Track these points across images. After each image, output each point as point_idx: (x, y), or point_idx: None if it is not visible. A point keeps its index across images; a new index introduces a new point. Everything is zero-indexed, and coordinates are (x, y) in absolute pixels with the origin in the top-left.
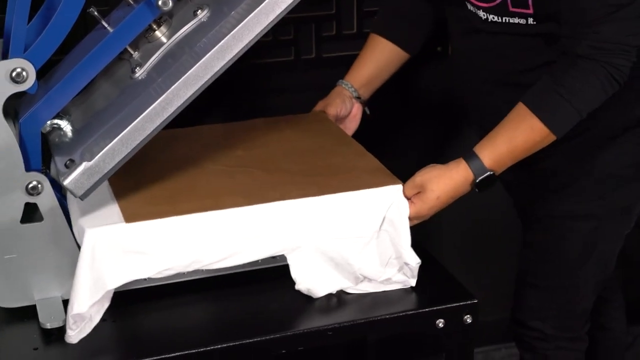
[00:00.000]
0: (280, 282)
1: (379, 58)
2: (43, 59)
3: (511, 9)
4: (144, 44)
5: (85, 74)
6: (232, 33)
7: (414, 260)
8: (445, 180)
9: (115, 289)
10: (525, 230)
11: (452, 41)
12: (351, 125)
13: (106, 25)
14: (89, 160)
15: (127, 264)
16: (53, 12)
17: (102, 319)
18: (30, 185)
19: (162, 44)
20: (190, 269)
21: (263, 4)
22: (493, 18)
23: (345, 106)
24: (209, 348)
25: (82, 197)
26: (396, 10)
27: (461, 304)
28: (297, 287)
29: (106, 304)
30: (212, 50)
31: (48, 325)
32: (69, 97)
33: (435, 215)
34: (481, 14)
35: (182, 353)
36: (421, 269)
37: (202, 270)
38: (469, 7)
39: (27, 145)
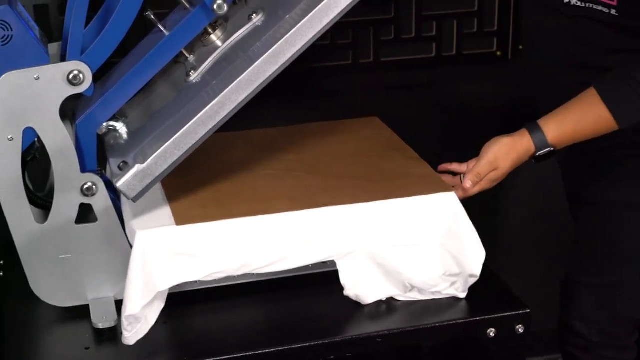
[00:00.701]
0: (331, 287)
1: None
2: (100, 62)
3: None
4: (199, 47)
5: (141, 76)
6: (285, 38)
7: (478, 271)
8: (512, 155)
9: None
10: (577, 223)
11: (527, 25)
12: None
13: (162, 28)
14: (142, 163)
15: (177, 266)
16: (111, 15)
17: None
18: (85, 187)
19: (217, 47)
20: (240, 272)
21: (316, 9)
22: (576, 2)
23: None
24: (258, 352)
25: (134, 200)
26: None
27: (513, 313)
28: (345, 292)
29: (161, 305)
30: (265, 54)
31: (100, 326)
32: (124, 99)
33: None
34: (584, 3)
35: (232, 356)
36: None
37: (254, 273)
38: None
39: (83, 146)
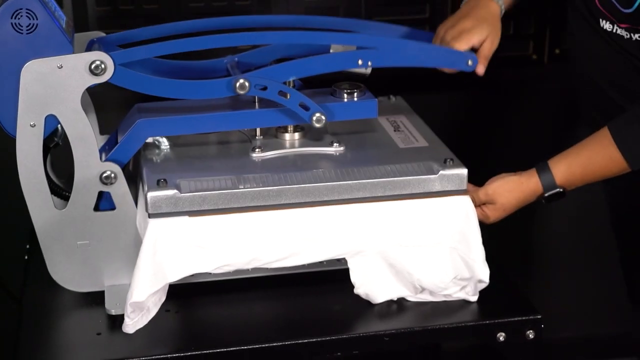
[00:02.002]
0: (344, 285)
1: None
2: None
3: None
4: (272, 133)
5: (215, 125)
6: (339, 183)
7: (486, 276)
8: (515, 194)
9: (177, 281)
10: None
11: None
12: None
13: (256, 104)
14: (180, 192)
15: (187, 257)
16: None
17: (166, 310)
18: (104, 175)
19: (287, 146)
20: (250, 266)
21: (388, 180)
22: (606, 26)
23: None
24: (266, 345)
25: (150, 216)
26: None
27: (523, 318)
28: (355, 291)
29: (163, 298)
30: (318, 184)
31: (112, 312)
32: (190, 131)
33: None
34: (623, 32)
35: (240, 348)
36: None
37: (267, 268)
38: (605, 24)
39: (129, 142)
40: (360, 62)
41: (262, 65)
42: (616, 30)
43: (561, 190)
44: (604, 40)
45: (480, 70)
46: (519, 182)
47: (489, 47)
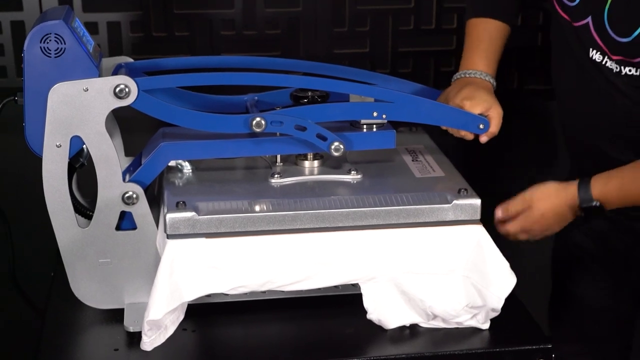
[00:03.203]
0: (357, 309)
1: (492, 37)
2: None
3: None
4: (292, 160)
5: (233, 151)
6: (354, 210)
7: (499, 305)
8: (553, 200)
9: (193, 301)
10: None
11: (562, 82)
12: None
13: (278, 134)
14: (199, 215)
15: (203, 278)
16: None
17: (183, 328)
18: (127, 195)
19: (306, 173)
20: (264, 288)
21: (404, 208)
22: (629, 71)
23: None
24: None
25: (169, 236)
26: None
27: (533, 347)
28: (368, 316)
29: (181, 317)
30: (332, 210)
31: (130, 329)
32: (211, 155)
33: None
34: (613, 65)
35: None
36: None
37: (280, 290)
38: (595, 55)
39: (152, 164)
40: (375, 114)
41: (280, 105)
42: (606, 62)
43: (597, 204)
44: (590, 73)
45: (484, 139)
46: (558, 188)
47: (496, 122)
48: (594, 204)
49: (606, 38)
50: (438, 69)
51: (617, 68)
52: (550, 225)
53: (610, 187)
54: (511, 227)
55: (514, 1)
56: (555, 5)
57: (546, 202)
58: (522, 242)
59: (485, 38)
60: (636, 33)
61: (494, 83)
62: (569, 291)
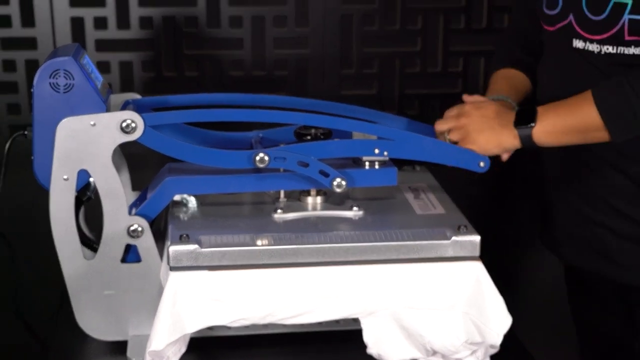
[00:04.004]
0: (358, 344)
1: (512, 75)
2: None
3: (627, 37)
4: (295, 196)
5: (236, 186)
6: (354, 245)
7: (498, 342)
8: (489, 104)
9: (194, 333)
10: None
11: (546, 85)
12: None
13: (281, 170)
14: (201, 247)
15: (205, 310)
16: None
17: None
18: (132, 228)
19: (307, 209)
20: (265, 321)
21: (404, 243)
22: (607, 49)
23: None
24: None
25: (172, 268)
26: (516, 42)
27: None
28: (368, 351)
29: (183, 348)
30: (333, 244)
31: None
32: (215, 191)
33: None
34: (594, 47)
35: None
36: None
37: (283, 325)
38: (577, 43)
39: (157, 198)
40: (377, 151)
41: (284, 142)
42: (587, 47)
43: (532, 125)
44: (573, 61)
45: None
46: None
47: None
48: (530, 124)
49: (585, 24)
50: (444, 112)
51: (597, 49)
52: (482, 124)
53: (548, 111)
54: (442, 124)
55: (532, 56)
56: (543, 26)
57: (482, 104)
58: (526, 277)
59: (507, 75)
60: (609, 6)
61: (514, 104)
62: (571, 326)
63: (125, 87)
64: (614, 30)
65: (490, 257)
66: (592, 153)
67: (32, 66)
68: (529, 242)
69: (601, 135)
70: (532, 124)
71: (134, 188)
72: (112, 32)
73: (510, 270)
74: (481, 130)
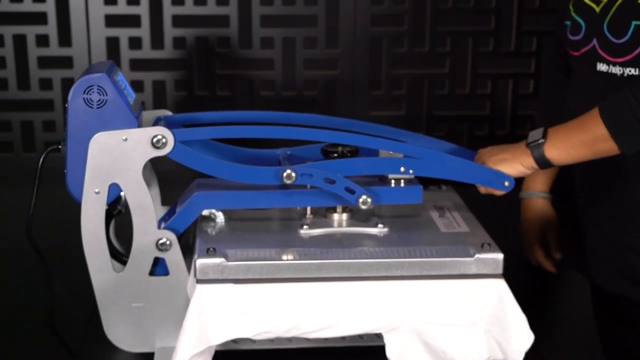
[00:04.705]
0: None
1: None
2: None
3: None
4: (322, 213)
5: (263, 202)
6: (378, 260)
7: (519, 359)
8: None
9: (219, 346)
10: None
11: (573, 109)
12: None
13: (308, 185)
14: (228, 261)
15: (230, 323)
16: None
17: None
18: (161, 242)
19: (333, 226)
20: (289, 335)
21: (426, 260)
22: (630, 71)
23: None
24: None
25: (198, 281)
26: (555, 103)
27: None
28: None
29: None
30: (357, 260)
31: None
32: (240, 206)
33: None
34: (617, 69)
35: None
36: None
37: (307, 340)
38: (601, 66)
39: (186, 212)
40: (402, 169)
41: (312, 159)
42: (611, 70)
43: (542, 141)
44: (597, 85)
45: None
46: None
47: None
48: (540, 140)
49: (608, 47)
50: (472, 133)
51: (620, 71)
52: (499, 152)
53: (558, 128)
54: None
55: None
56: (569, 51)
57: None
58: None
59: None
60: (631, 29)
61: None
62: (597, 347)
63: (158, 105)
64: (636, 52)
65: (518, 276)
66: (620, 174)
67: (68, 84)
68: (560, 262)
69: (609, 146)
70: (542, 140)
71: (163, 204)
72: (147, 51)
73: (536, 289)
74: (497, 154)
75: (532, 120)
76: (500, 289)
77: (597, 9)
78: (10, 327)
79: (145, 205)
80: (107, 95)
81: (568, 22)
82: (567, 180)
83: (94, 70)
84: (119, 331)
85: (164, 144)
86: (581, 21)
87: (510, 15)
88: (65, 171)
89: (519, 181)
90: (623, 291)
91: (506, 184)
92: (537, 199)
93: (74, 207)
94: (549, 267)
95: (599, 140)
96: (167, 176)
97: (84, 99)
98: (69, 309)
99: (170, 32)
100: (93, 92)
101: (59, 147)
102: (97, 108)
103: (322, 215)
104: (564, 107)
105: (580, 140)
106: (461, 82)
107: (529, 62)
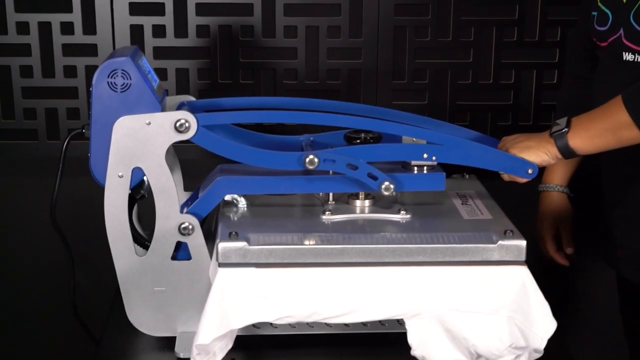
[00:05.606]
0: (402, 347)
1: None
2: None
3: None
4: (344, 199)
5: (285, 187)
6: (400, 246)
7: (542, 347)
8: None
9: (241, 331)
10: None
11: (599, 99)
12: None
13: (330, 172)
14: (249, 245)
15: (252, 307)
16: None
17: (232, 358)
18: (183, 226)
19: (355, 212)
20: (310, 320)
21: (452, 246)
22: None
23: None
24: None
25: (220, 265)
26: (574, 98)
27: None
28: (412, 352)
29: (230, 344)
30: (379, 245)
31: (181, 355)
32: (263, 191)
33: None
34: None
35: None
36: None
37: (328, 326)
38: (628, 55)
39: (208, 197)
40: (425, 155)
41: (335, 146)
42: (637, 58)
43: (565, 130)
44: (623, 75)
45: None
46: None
47: None
48: (563, 129)
49: (634, 36)
50: (495, 124)
51: None
52: (524, 140)
53: (581, 117)
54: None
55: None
56: (596, 42)
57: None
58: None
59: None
60: None
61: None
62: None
63: (181, 93)
64: None
65: (542, 265)
66: None
67: (91, 72)
68: (586, 254)
69: (633, 134)
70: (566, 129)
71: (185, 190)
72: (170, 39)
73: (561, 280)
74: (522, 141)
75: (554, 110)
76: (523, 275)
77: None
78: (34, 312)
79: (168, 190)
80: (131, 79)
81: (595, 13)
82: (595, 174)
83: (118, 55)
84: (141, 315)
85: (187, 128)
86: (608, 11)
87: (535, 4)
88: (88, 155)
89: (541, 171)
90: None
91: (530, 171)
92: (554, 192)
93: (98, 194)
94: (561, 260)
95: (622, 127)
96: (190, 165)
97: (108, 82)
98: (92, 294)
99: (193, 20)
100: (117, 75)
101: (83, 130)
102: (121, 92)
103: (345, 201)
104: (581, 104)
105: (604, 128)
106: (485, 72)
107: (553, 52)
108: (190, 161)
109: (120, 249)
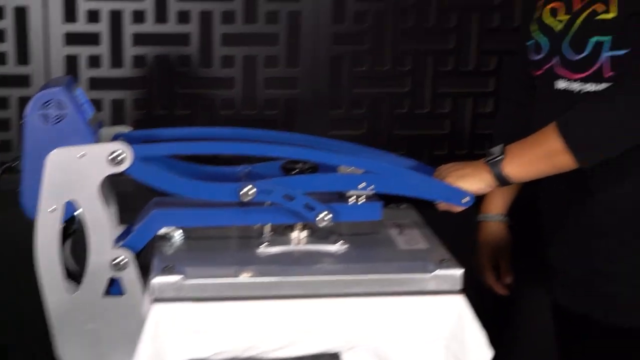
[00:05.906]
0: None
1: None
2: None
3: (606, 74)
4: (281, 229)
5: (221, 220)
6: (336, 277)
7: None
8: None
9: None
10: None
11: (535, 128)
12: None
13: (265, 203)
14: (185, 279)
15: (187, 342)
16: None
17: None
18: (116, 260)
19: (292, 243)
20: (247, 354)
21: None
22: (587, 88)
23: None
24: None
25: (155, 300)
26: (511, 123)
27: None
28: None
29: None
30: (315, 277)
31: None
32: (198, 224)
33: None
34: (575, 86)
35: None
36: None
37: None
38: (560, 84)
39: (143, 230)
40: (363, 184)
41: (272, 176)
42: (569, 86)
43: (501, 157)
44: (556, 103)
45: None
46: None
47: None
48: (498, 157)
49: (568, 64)
50: (432, 152)
51: (578, 88)
52: (460, 168)
53: (515, 144)
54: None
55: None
56: (532, 71)
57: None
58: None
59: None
60: (590, 45)
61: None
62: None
63: (117, 124)
64: (595, 67)
65: (481, 292)
66: (582, 192)
67: (24, 104)
68: (525, 281)
69: (566, 160)
70: (501, 156)
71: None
72: (106, 70)
73: (498, 307)
74: (457, 170)
75: (490, 139)
76: (459, 305)
77: (558, 28)
78: None
79: (101, 223)
80: (65, 110)
81: (530, 42)
82: (533, 200)
83: (52, 85)
84: (72, 353)
85: (122, 160)
86: (543, 40)
87: (470, 34)
88: (19, 189)
89: (479, 199)
90: (587, 311)
91: (465, 200)
92: (492, 223)
93: (27, 230)
94: (500, 290)
95: (555, 153)
96: (127, 198)
97: (41, 114)
98: (20, 334)
99: (129, 50)
100: (51, 106)
101: (13, 165)
102: (55, 123)
103: (281, 232)
104: (517, 132)
105: (538, 155)
106: (421, 101)
107: (488, 81)
108: (128, 193)
109: (50, 286)
